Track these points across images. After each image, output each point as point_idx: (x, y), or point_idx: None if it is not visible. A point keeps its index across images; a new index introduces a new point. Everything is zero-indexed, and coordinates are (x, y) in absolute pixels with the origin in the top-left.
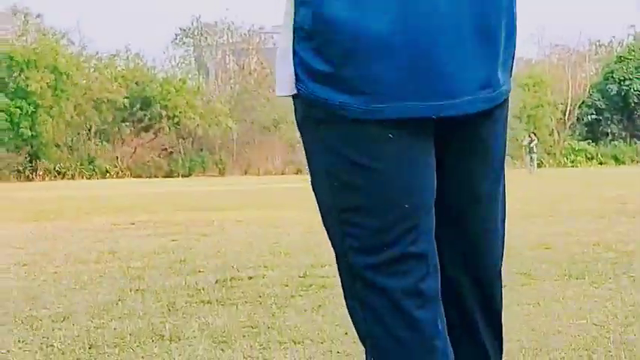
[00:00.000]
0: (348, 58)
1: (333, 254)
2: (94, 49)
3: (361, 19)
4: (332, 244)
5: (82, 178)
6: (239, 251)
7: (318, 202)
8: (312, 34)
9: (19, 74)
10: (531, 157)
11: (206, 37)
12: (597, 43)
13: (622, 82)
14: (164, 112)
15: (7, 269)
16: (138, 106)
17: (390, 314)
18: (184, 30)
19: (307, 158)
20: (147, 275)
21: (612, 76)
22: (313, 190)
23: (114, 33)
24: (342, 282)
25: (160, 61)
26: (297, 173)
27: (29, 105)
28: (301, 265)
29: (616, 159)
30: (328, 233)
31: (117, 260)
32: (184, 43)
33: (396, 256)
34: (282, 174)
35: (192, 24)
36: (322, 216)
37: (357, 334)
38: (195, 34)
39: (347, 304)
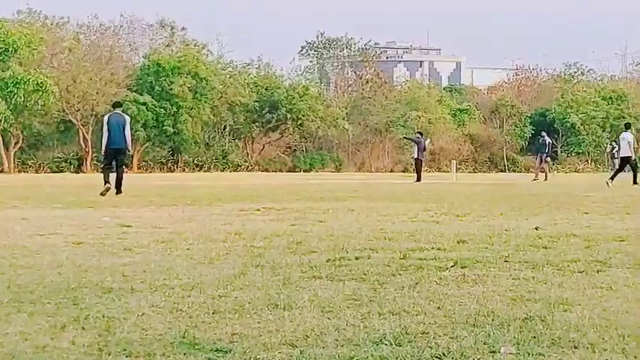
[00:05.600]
0: None
1: (431, 239)
2: (230, 59)
3: None
4: None
5: (217, 170)
6: (349, 235)
7: None
8: None
9: (165, 79)
10: (614, 163)
11: (328, 51)
12: None
13: None
14: (289, 115)
15: (148, 245)
16: (267, 109)
17: None
18: (310, 43)
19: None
20: (267, 253)
21: None
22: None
23: (248, 45)
24: None
25: (287, 71)
26: (404, 171)
27: (172, 106)
28: (402, 249)
29: None
30: None
31: (242, 240)
32: (309, 55)
33: None
34: (391, 171)
35: (317, 38)
36: None
37: None
38: (319, 47)
39: None
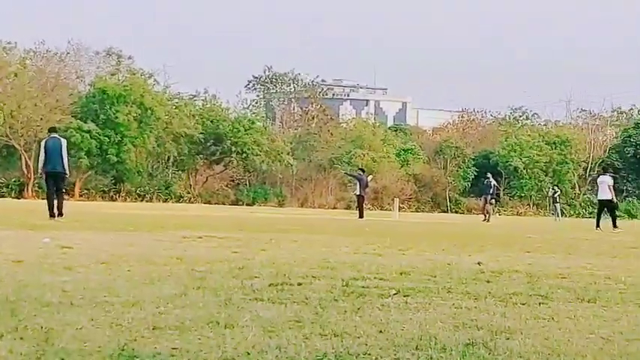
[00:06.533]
0: None
1: (374, 270)
2: (177, 90)
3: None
4: None
5: (159, 201)
6: (292, 264)
7: None
8: None
9: (110, 107)
10: (555, 207)
11: (275, 85)
12: (618, 110)
13: (638, 146)
14: (234, 148)
15: (88, 265)
16: (211, 141)
17: None
18: (257, 78)
19: None
20: (208, 277)
21: (630, 140)
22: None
23: (194, 77)
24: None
25: (233, 103)
26: (347, 208)
27: (116, 135)
28: (344, 277)
29: (629, 213)
30: None
31: (183, 264)
32: (255, 89)
33: None
34: (334, 208)
35: (264, 73)
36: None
37: None
38: (266, 82)
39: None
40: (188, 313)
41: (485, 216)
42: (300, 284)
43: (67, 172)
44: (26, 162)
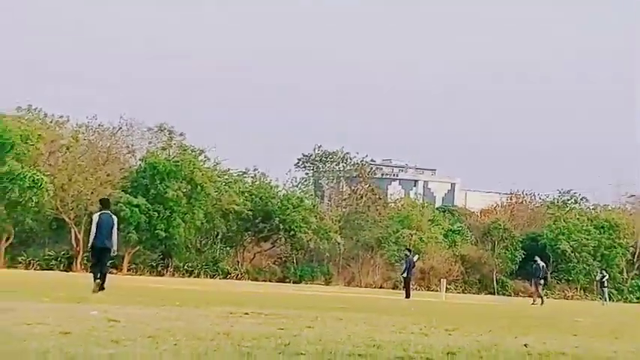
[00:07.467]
0: None
1: (420, 349)
2: (227, 166)
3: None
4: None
5: (207, 277)
6: (338, 341)
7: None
8: None
9: (160, 183)
10: (603, 291)
11: (324, 164)
12: None
13: None
14: (282, 226)
15: (135, 339)
16: (260, 218)
17: None
18: (307, 156)
19: None
20: (255, 352)
21: None
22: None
23: (245, 154)
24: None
25: (282, 181)
26: (394, 288)
27: (166, 210)
28: (391, 357)
29: None
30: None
31: (230, 339)
32: (305, 167)
33: None
34: (381, 287)
35: (314, 151)
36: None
37: None
38: (316, 160)
39: None
40: None
41: (535, 300)
42: None
43: (115, 250)
44: (75, 235)
